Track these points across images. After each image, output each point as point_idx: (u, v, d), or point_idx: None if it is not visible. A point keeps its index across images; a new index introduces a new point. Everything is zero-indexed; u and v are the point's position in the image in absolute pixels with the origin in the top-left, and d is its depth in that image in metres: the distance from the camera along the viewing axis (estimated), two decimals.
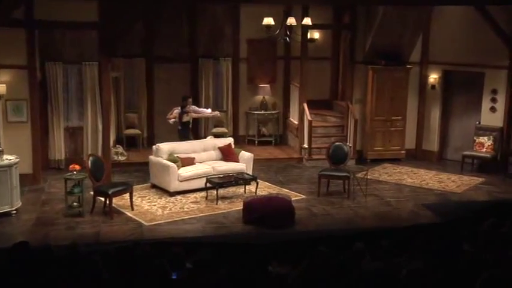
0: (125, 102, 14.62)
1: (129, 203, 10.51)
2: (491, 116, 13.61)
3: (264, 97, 15.53)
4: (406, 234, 8.15)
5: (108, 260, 6.03)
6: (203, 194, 11.27)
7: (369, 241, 6.78)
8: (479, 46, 13.37)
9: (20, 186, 10.49)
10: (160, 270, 5.55)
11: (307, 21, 12.12)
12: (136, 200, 10.85)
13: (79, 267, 5.65)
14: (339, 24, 15.20)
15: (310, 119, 13.83)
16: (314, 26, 13.32)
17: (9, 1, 10.19)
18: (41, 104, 12.31)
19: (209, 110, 13.67)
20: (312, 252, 5.89)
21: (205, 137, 13.95)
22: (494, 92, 13.51)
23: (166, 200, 11.08)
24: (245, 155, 12.47)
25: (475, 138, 13.64)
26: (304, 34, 13.68)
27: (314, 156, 13.84)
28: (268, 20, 11.33)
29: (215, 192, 10.99)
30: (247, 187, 11.66)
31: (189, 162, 11.78)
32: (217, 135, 14.15)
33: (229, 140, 12.87)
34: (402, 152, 14.51)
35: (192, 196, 11.29)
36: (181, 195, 11.32)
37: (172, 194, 11.29)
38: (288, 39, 11.90)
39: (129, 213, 10.32)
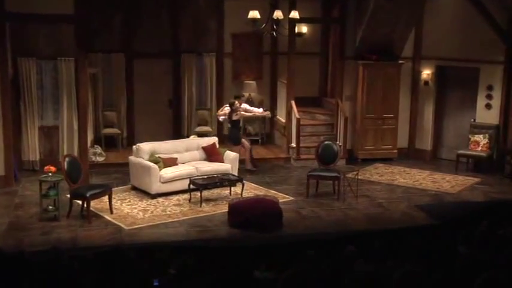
0: (103, 100, 14.43)
1: (108, 206, 10.42)
2: (486, 113, 13.60)
3: (250, 94, 15.38)
4: (398, 236, 8.27)
5: (86, 266, 5.98)
6: (186, 196, 11.17)
7: (360, 244, 6.87)
8: (474, 40, 13.40)
9: None
10: (141, 276, 5.56)
11: (294, 14, 11.98)
12: (116, 203, 10.77)
13: (56, 274, 5.57)
14: (327, 18, 15.17)
15: (298, 117, 13.74)
16: (302, 20, 13.28)
17: None
18: (13, 102, 12.14)
19: (261, 110, 13.90)
20: (300, 256, 5.99)
21: (188, 136, 13.91)
22: (490, 88, 13.50)
23: (148, 203, 10.99)
24: (230, 155, 12.40)
25: (470, 136, 13.59)
26: (292, 28, 13.66)
27: (302, 156, 13.76)
28: (254, 14, 11.14)
29: (199, 194, 10.92)
30: (232, 189, 11.59)
31: (171, 162, 11.65)
32: (200, 135, 14.10)
33: (214, 140, 12.77)
34: (394, 151, 14.43)
35: (174, 198, 11.21)
36: (163, 197, 11.23)
37: (153, 196, 11.20)
38: (274, 33, 11.74)
39: (108, 217, 10.23)
